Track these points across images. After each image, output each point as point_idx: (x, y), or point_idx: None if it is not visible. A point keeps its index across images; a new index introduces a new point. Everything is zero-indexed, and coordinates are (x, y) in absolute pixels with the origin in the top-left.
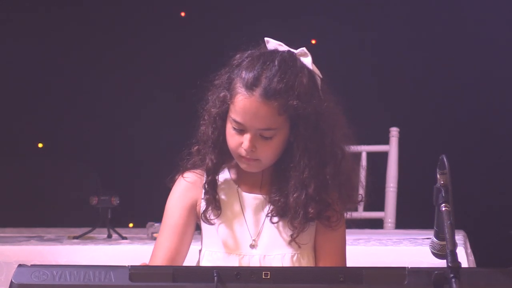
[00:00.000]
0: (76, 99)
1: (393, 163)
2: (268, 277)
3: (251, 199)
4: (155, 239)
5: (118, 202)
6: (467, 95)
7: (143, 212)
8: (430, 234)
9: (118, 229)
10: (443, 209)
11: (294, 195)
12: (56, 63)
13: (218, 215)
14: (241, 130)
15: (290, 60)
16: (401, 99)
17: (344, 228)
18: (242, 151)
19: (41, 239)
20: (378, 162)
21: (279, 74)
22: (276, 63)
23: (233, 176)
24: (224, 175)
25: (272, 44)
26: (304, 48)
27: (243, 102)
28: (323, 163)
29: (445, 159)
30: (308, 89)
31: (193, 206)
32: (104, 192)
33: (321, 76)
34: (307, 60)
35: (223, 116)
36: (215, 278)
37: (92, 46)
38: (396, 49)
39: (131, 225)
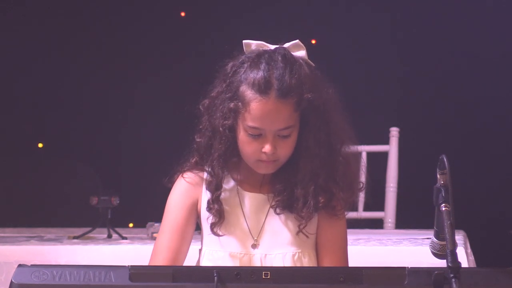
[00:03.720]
0: (76, 99)
1: (393, 163)
2: (268, 277)
3: (252, 198)
4: (155, 239)
5: (118, 202)
6: (468, 95)
7: (143, 212)
8: (430, 234)
9: (118, 229)
10: (443, 209)
11: (303, 186)
12: (56, 63)
13: (221, 223)
14: (257, 135)
15: (289, 55)
16: (401, 99)
17: (345, 220)
18: (263, 156)
19: (41, 239)
20: (378, 162)
21: (288, 71)
22: (279, 61)
23: (233, 175)
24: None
25: (254, 45)
26: (297, 41)
27: (260, 107)
28: (331, 151)
29: (445, 159)
30: (314, 79)
31: (194, 205)
32: (104, 192)
33: (313, 65)
34: (302, 53)
35: (234, 126)
36: (215, 278)
37: (92, 46)
38: (397, 49)
39: (131, 225)
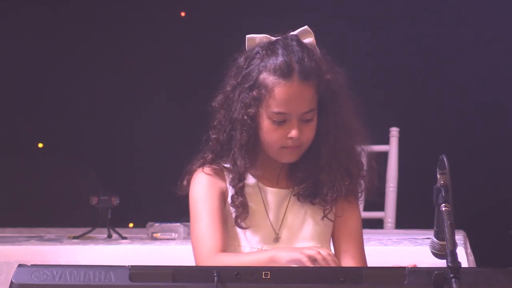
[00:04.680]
0: (76, 99)
1: (393, 163)
2: (268, 277)
3: (272, 192)
4: (155, 239)
5: (118, 202)
6: (467, 94)
7: (143, 212)
8: (430, 234)
9: (118, 229)
10: (443, 209)
11: (329, 169)
12: (56, 63)
13: (246, 216)
14: (281, 122)
15: (301, 41)
16: (401, 99)
17: (359, 211)
18: (288, 142)
19: (41, 239)
20: (378, 162)
21: (306, 54)
22: (295, 45)
23: (251, 171)
24: None
25: (258, 38)
26: (306, 27)
27: (284, 91)
28: (348, 134)
29: (445, 159)
30: (327, 62)
31: (222, 195)
32: (104, 192)
33: (319, 51)
34: (310, 39)
35: (255, 116)
36: (215, 278)
37: (92, 46)
38: (396, 48)
39: (131, 225)
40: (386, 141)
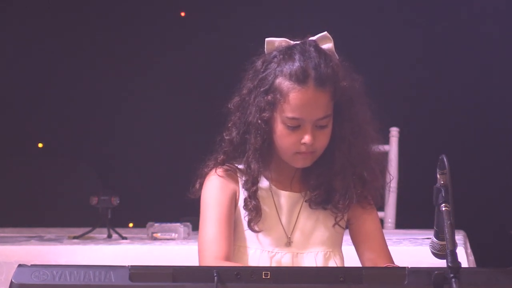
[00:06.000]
0: (76, 99)
1: (393, 163)
2: (268, 277)
3: (285, 196)
4: (155, 239)
5: (118, 202)
6: (467, 95)
7: (143, 212)
8: (430, 234)
9: (118, 229)
10: (443, 209)
11: (343, 177)
12: (56, 63)
13: (259, 220)
14: (295, 127)
15: (320, 47)
16: (401, 99)
17: (377, 212)
18: (302, 147)
19: (41, 239)
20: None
21: (323, 61)
22: (312, 51)
23: (265, 174)
24: None
25: (277, 42)
26: (326, 33)
27: (299, 97)
28: (365, 140)
29: (445, 159)
30: (344, 69)
31: (234, 197)
32: (104, 192)
33: (337, 57)
34: (329, 45)
35: (269, 120)
36: (215, 278)
37: (92, 46)
38: (396, 48)
39: (131, 225)
40: (386, 141)
